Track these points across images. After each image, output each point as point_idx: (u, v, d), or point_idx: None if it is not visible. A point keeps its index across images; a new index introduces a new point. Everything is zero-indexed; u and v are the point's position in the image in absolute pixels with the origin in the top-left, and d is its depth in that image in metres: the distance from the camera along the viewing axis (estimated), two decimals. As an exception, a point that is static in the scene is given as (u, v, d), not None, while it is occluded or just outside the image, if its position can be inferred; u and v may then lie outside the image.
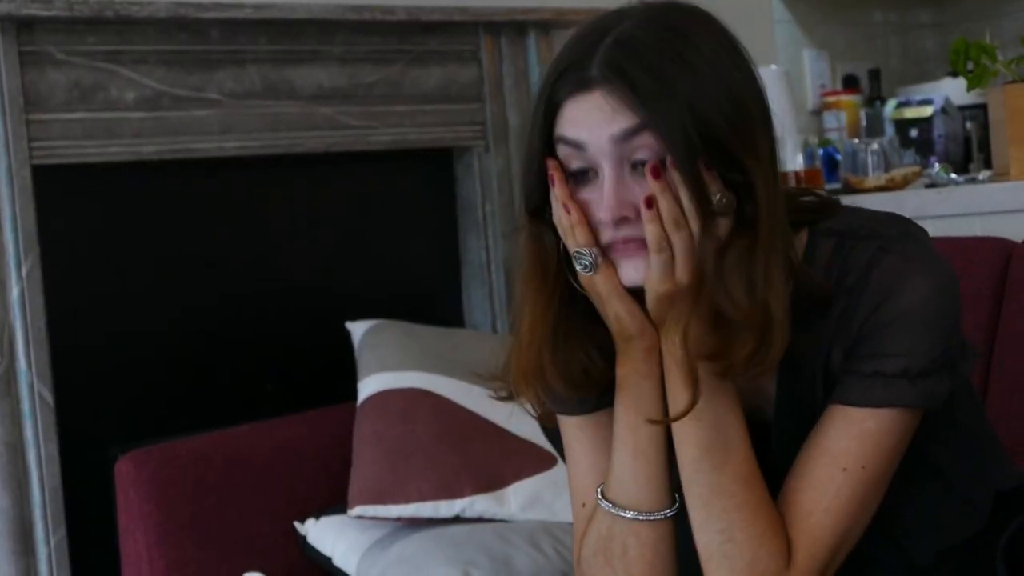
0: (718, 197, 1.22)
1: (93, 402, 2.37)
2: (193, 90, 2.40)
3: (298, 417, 2.31)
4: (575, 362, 1.32)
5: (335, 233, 2.67)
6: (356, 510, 2.13)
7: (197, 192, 2.51)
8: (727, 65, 1.24)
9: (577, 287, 1.30)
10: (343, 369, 2.43)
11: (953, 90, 3.11)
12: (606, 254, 1.27)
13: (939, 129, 3.07)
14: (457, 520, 2.15)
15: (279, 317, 2.59)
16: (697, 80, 1.21)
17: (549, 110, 1.26)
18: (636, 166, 1.23)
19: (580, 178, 1.26)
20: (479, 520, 2.15)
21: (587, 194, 1.26)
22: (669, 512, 1.34)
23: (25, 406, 2.22)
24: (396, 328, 2.40)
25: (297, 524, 2.18)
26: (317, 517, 2.18)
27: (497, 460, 2.18)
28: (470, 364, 2.32)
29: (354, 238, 2.69)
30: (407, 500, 2.13)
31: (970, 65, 2.55)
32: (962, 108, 3.10)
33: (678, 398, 1.28)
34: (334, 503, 2.21)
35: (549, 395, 1.35)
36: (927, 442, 1.35)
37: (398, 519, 2.13)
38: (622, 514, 1.34)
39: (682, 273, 1.24)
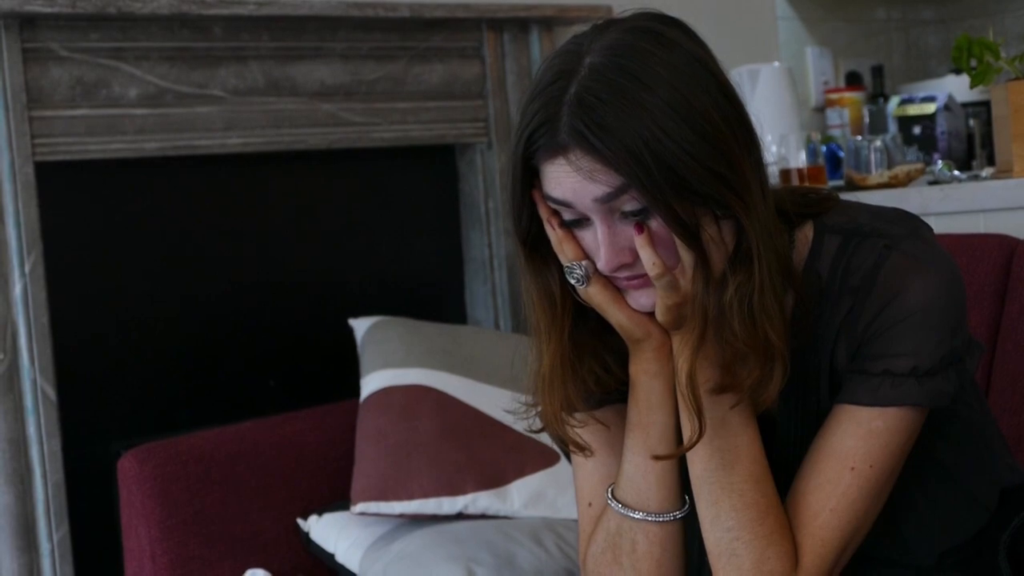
0: (709, 231, 1.23)
1: (96, 398, 2.37)
2: (196, 86, 2.40)
3: (301, 414, 2.31)
4: (591, 376, 1.34)
5: (338, 229, 2.67)
6: (359, 507, 2.13)
7: (199, 188, 2.51)
8: (694, 92, 1.21)
9: (582, 301, 1.31)
10: (346, 366, 2.43)
11: (956, 87, 3.11)
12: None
13: (942, 126, 3.07)
14: (460, 517, 2.15)
15: (282, 313, 2.59)
16: (659, 128, 1.18)
17: (527, 169, 1.26)
18: (626, 215, 1.23)
19: (575, 224, 1.27)
20: (482, 517, 2.15)
21: (584, 235, 1.27)
22: (679, 514, 1.35)
23: (28, 402, 2.22)
24: (399, 325, 2.40)
25: (300, 521, 2.18)
26: (320, 514, 2.18)
27: (500, 457, 2.18)
28: (473, 361, 2.32)
29: (357, 234, 2.69)
30: (410, 497, 2.13)
31: (973, 62, 2.55)
32: (965, 105, 3.10)
33: (687, 427, 1.29)
34: (337, 500, 2.21)
35: (569, 411, 1.35)
36: (932, 439, 1.35)
37: (401, 516, 2.13)
38: (632, 515, 1.34)
39: (685, 283, 1.25)
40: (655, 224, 1.23)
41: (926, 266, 1.29)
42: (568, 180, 1.22)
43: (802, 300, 1.31)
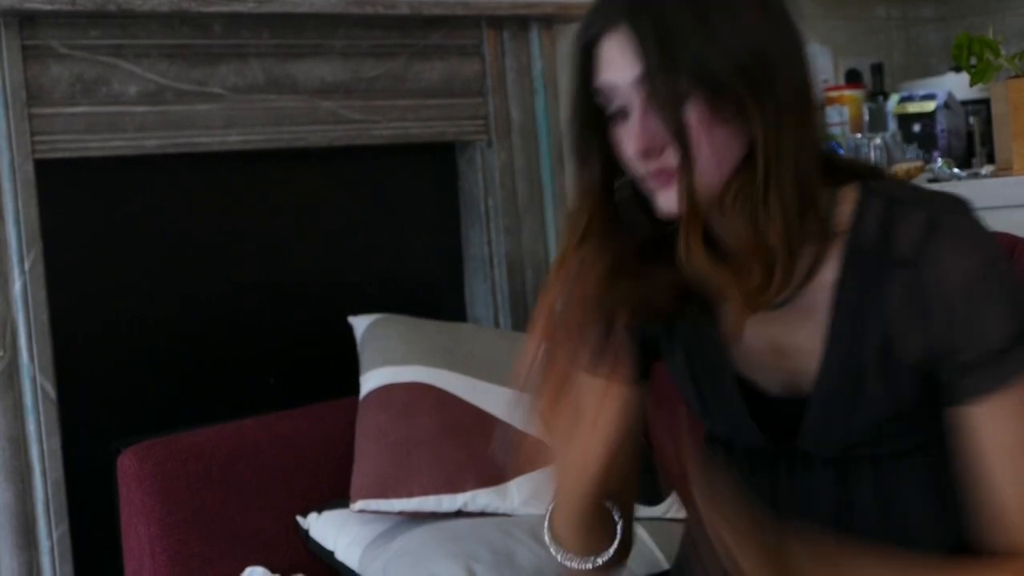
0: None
1: (96, 396, 2.37)
2: (195, 84, 2.40)
3: (301, 411, 2.31)
4: (637, 290, 1.34)
5: (337, 227, 2.67)
6: (359, 504, 2.13)
7: (199, 186, 2.51)
8: (751, 13, 1.27)
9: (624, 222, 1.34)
10: (345, 363, 2.43)
11: (956, 85, 3.11)
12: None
13: (942, 124, 3.07)
14: (460, 514, 2.15)
15: (282, 311, 2.59)
16: (711, 26, 1.25)
17: (586, 57, 1.31)
18: None
19: (619, 118, 1.31)
20: (482, 514, 2.15)
21: (623, 132, 1.31)
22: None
23: (28, 400, 2.22)
24: (399, 322, 2.40)
25: (300, 518, 2.19)
26: (320, 511, 2.18)
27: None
28: (473, 358, 2.32)
29: (356, 232, 2.69)
30: (410, 494, 2.13)
31: (973, 60, 2.55)
32: (965, 103, 3.10)
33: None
34: (337, 497, 2.21)
35: (606, 328, 1.34)
36: None
37: (400, 513, 2.13)
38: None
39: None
40: (693, 114, 1.26)
41: (974, 238, 1.29)
42: (613, 61, 1.28)
43: (846, 262, 1.32)
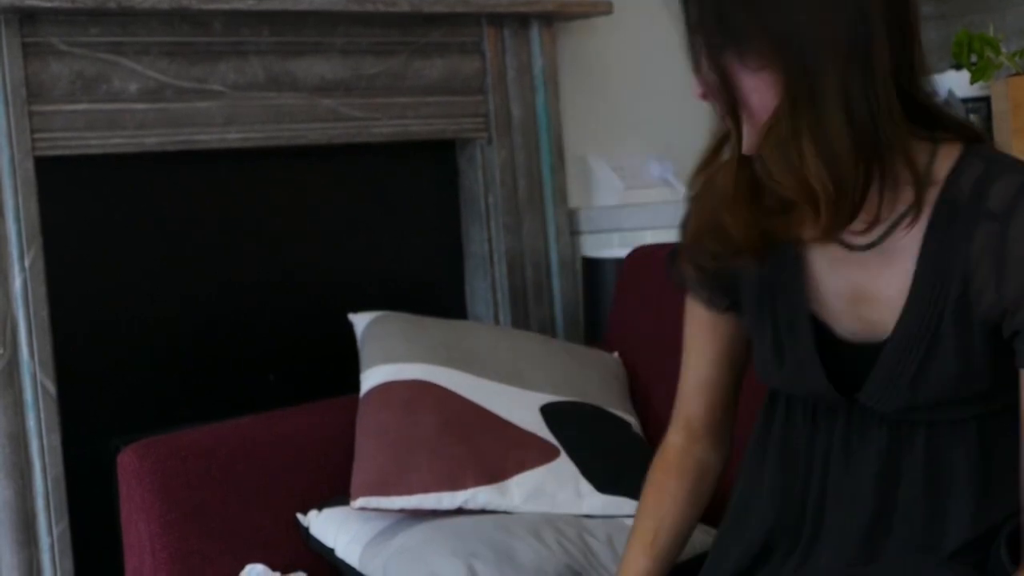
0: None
1: (96, 393, 2.37)
2: (196, 82, 2.40)
3: (301, 409, 2.31)
4: (747, 218, 1.41)
5: (337, 225, 2.67)
6: (359, 501, 2.13)
7: (199, 184, 2.51)
8: None
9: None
10: (346, 361, 2.43)
11: (956, 83, 3.10)
12: None
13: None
14: (460, 512, 2.15)
15: (282, 308, 2.59)
16: None
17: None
18: None
19: None
20: (482, 512, 2.15)
21: None
22: None
23: (28, 397, 2.22)
24: (399, 320, 2.40)
25: (300, 516, 2.18)
26: (320, 509, 2.18)
27: (500, 452, 2.18)
28: (473, 356, 2.32)
29: (356, 230, 2.69)
30: (410, 492, 2.13)
31: (973, 58, 2.55)
32: (965, 101, 3.09)
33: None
34: (337, 495, 2.21)
35: (723, 248, 1.44)
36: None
37: (401, 510, 2.13)
38: None
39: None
40: (731, 63, 1.33)
41: None
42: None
43: (938, 211, 1.36)
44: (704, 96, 1.37)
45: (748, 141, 1.36)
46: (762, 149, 1.34)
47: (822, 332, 1.46)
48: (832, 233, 1.35)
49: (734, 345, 1.60)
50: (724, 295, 1.56)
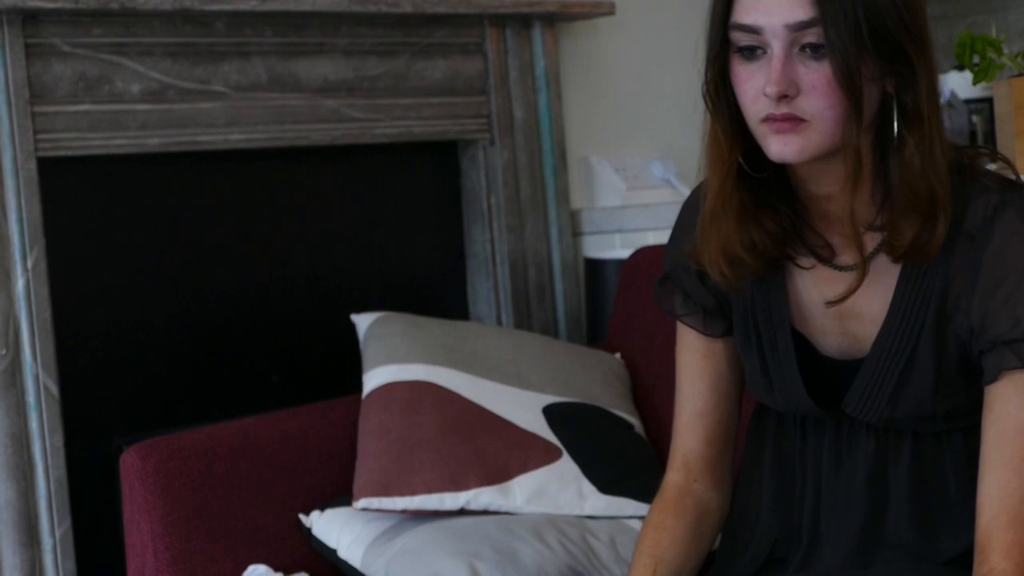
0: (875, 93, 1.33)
1: (98, 393, 2.37)
2: (198, 82, 2.40)
3: (303, 409, 2.31)
4: (747, 233, 1.40)
5: (340, 225, 2.67)
6: (361, 502, 2.13)
7: (202, 184, 2.51)
8: None
9: (747, 169, 1.39)
10: (348, 361, 2.43)
11: (959, 84, 3.10)
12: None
13: (945, 123, 3.06)
14: (462, 512, 2.15)
15: (284, 309, 2.59)
16: None
17: (726, 2, 1.36)
18: (804, 48, 1.31)
19: (747, 54, 1.34)
20: (484, 512, 2.15)
21: (752, 69, 1.34)
22: None
23: (30, 397, 2.22)
24: (401, 320, 2.40)
25: (302, 516, 2.19)
26: (322, 509, 2.18)
27: (502, 453, 2.19)
28: (475, 356, 2.32)
29: (359, 230, 2.69)
30: (412, 492, 2.13)
31: (976, 59, 2.55)
32: (968, 102, 3.09)
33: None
34: (339, 495, 2.21)
35: (726, 262, 1.42)
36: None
37: (403, 511, 2.13)
38: None
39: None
40: (823, 68, 1.30)
41: None
42: (767, 5, 1.31)
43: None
44: (781, 96, 1.32)
45: (800, 149, 1.33)
46: (895, 156, 1.33)
47: (805, 348, 1.46)
48: (935, 247, 1.34)
49: (729, 371, 1.57)
50: (720, 319, 1.54)
